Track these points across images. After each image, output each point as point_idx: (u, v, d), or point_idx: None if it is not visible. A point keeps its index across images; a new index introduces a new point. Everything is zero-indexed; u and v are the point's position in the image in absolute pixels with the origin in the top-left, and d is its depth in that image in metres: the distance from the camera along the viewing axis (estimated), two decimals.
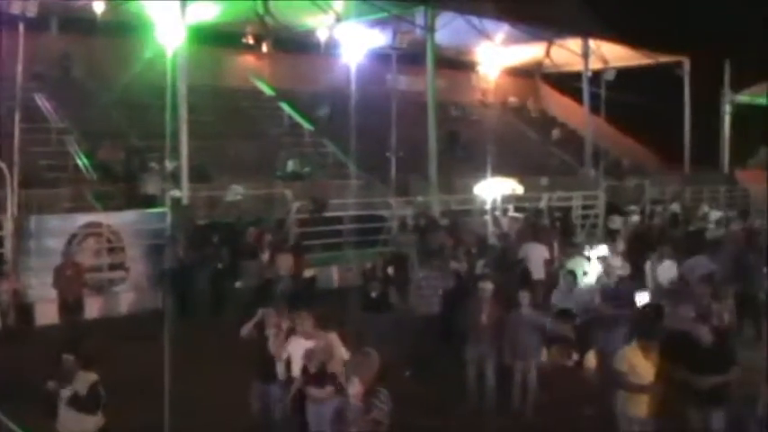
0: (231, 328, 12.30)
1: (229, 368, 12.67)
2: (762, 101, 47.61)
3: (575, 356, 11.05)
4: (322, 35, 37.08)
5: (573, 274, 15.99)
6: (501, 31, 39.77)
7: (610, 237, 26.18)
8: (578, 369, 10.75)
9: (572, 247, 19.71)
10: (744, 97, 46.90)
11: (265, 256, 19.50)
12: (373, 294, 15.80)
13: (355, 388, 8.36)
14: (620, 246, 23.46)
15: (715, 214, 32.23)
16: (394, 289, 16.32)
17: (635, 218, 30.81)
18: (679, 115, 44.75)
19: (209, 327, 18.00)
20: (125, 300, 20.34)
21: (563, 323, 11.83)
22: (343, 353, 10.67)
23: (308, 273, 20.06)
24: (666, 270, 17.38)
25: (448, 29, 34.02)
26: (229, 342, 12.46)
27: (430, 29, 31.72)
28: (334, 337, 10.91)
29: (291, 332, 11.26)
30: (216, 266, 20.37)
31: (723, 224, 28.31)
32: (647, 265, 17.99)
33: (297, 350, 10.92)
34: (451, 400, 13.79)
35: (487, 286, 13.82)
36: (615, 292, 15.23)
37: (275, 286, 16.07)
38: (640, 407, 10.69)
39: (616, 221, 29.90)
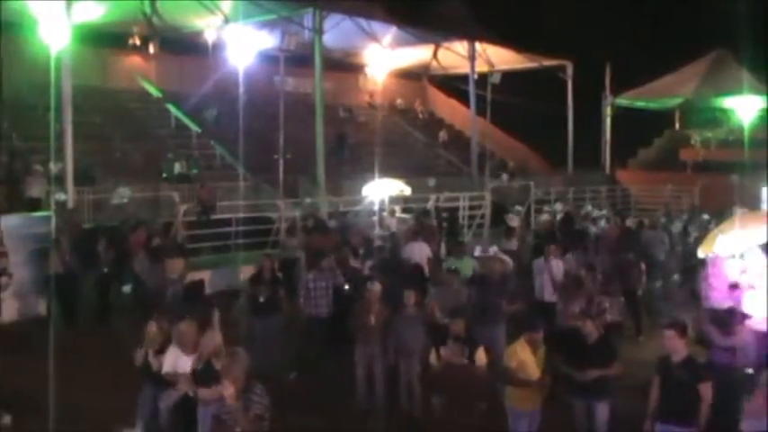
0: (118, 333, 12.20)
1: (117, 374, 12.54)
2: (640, 104, 49.10)
3: (464, 352, 11.27)
4: (210, 36, 36.91)
5: (458, 272, 16.24)
6: (389, 33, 40.10)
7: (506, 234, 26.67)
8: (470, 366, 10.96)
9: (460, 246, 19.90)
10: (624, 100, 48.14)
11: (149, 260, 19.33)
12: (261, 298, 15.80)
13: (228, 389, 8.41)
14: (514, 243, 23.94)
15: (598, 213, 33.02)
16: (283, 291, 16.35)
17: (545, 216, 31.40)
18: (562, 117, 45.63)
19: (95, 332, 17.84)
20: (9, 306, 19.71)
21: (455, 321, 12.05)
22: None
23: (197, 276, 20.01)
24: (554, 268, 17.77)
25: (336, 31, 34.23)
26: (116, 347, 12.37)
27: (318, 31, 31.80)
28: (220, 338, 10.87)
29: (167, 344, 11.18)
30: (102, 271, 20.12)
31: (605, 223, 29.02)
32: (534, 264, 18.36)
33: (180, 363, 10.87)
34: (341, 400, 13.96)
35: (375, 287, 14.01)
36: (503, 289, 15.62)
37: (164, 291, 15.92)
38: (528, 401, 11.03)
39: (514, 220, 30.38)
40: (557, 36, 45.20)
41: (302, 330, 16.14)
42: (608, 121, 47.90)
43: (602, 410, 11.26)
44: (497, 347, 12.52)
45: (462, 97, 46.14)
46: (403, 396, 13.46)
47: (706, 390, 9.93)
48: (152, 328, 11.33)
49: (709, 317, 12.97)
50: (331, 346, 15.61)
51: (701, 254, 18.19)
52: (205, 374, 10.21)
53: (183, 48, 38.91)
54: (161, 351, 11.09)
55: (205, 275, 20.50)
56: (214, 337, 10.74)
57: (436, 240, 23.21)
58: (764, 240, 19.00)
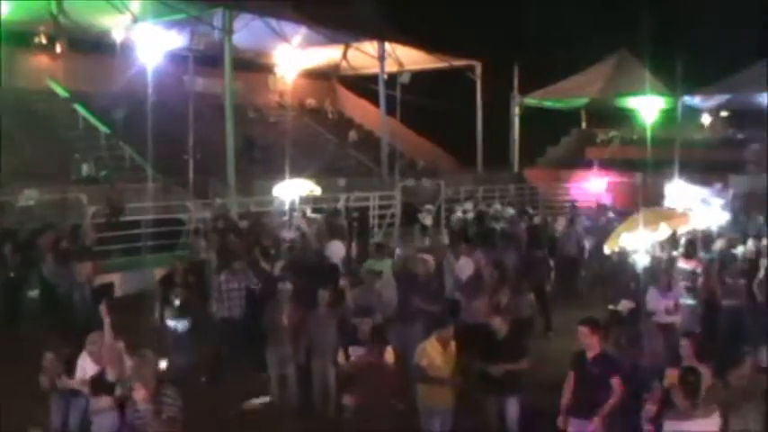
0: (25, 338, 12.06)
1: (25, 379, 12.39)
2: (548, 103, 49.93)
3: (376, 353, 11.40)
4: (118, 36, 36.42)
5: (374, 272, 16.29)
6: (298, 33, 40.01)
7: (421, 233, 26.93)
8: (387, 365, 11.05)
9: (381, 247, 20.00)
10: (532, 100, 48.83)
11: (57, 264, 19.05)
12: (176, 302, 15.68)
13: (140, 393, 8.41)
14: (427, 242, 24.19)
15: (507, 212, 33.51)
16: (195, 294, 16.23)
17: (459, 214, 31.74)
18: (472, 117, 46.10)
19: (2, 338, 17.57)
20: None
21: (365, 321, 12.18)
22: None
23: (106, 279, 19.80)
24: (463, 266, 17.99)
25: (246, 31, 34.10)
26: (24, 353, 12.21)
27: (227, 31, 31.74)
28: (121, 346, 10.82)
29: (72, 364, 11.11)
30: (8, 276, 19.77)
31: (514, 221, 29.42)
32: (444, 262, 18.55)
33: (89, 373, 10.81)
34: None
35: (286, 287, 14.06)
36: (420, 288, 15.77)
37: (73, 295, 15.77)
38: (440, 399, 11.18)
39: (428, 218, 30.71)
40: (466, 36, 45.67)
41: (215, 333, 16.05)
42: (516, 120, 48.54)
43: (513, 406, 11.50)
44: (413, 347, 12.68)
45: (372, 97, 46.28)
46: (316, 396, 13.55)
47: (618, 383, 10.15)
48: (49, 358, 11.24)
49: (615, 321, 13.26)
50: (244, 348, 15.60)
51: (606, 250, 18.69)
52: (98, 383, 10.16)
53: (91, 47, 38.36)
54: (68, 371, 11.03)
55: (115, 278, 20.36)
56: (111, 346, 10.68)
57: (347, 240, 23.38)
58: (666, 237, 19.68)
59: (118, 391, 9.78)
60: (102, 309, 11.19)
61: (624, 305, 14.12)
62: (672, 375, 9.60)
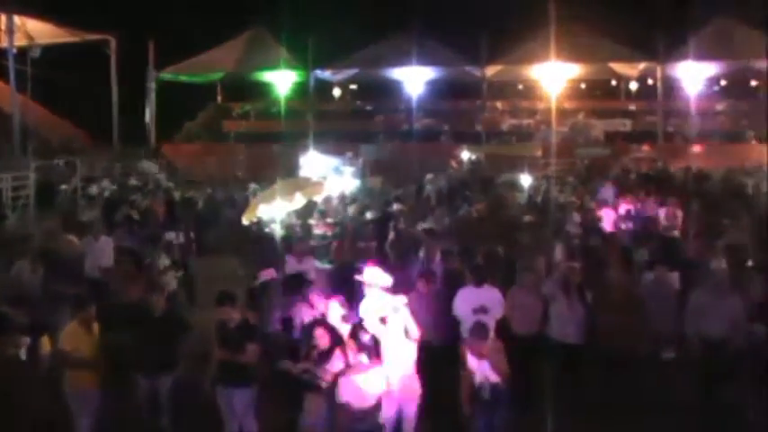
0: None
1: None
2: (184, 78, 50.33)
3: (26, 342, 11.03)
4: None
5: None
6: None
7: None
8: (33, 356, 10.76)
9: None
10: (167, 75, 48.93)
11: None
12: None
13: None
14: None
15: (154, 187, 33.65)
16: None
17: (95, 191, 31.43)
18: (107, 93, 45.49)
19: None
20: None
21: (15, 310, 11.86)
22: None
23: None
24: (103, 246, 17.94)
25: None
26: None
27: None
28: None
29: None
30: None
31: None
32: (84, 242, 18.35)
33: None
34: None
35: None
36: (61, 270, 15.66)
37: None
38: (85, 381, 11.02)
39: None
40: (100, 10, 44.99)
41: None
42: (152, 95, 48.43)
43: (166, 381, 11.58)
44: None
45: (1, 73, 44.47)
46: None
47: (251, 348, 10.71)
48: None
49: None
50: None
51: (245, 221, 19.43)
52: None
53: None
54: None
55: None
56: None
57: None
58: (302, 205, 20.80)
59: None
60: None
61: (266, 275, 14.64)
62: (320, 335, 10.36)
